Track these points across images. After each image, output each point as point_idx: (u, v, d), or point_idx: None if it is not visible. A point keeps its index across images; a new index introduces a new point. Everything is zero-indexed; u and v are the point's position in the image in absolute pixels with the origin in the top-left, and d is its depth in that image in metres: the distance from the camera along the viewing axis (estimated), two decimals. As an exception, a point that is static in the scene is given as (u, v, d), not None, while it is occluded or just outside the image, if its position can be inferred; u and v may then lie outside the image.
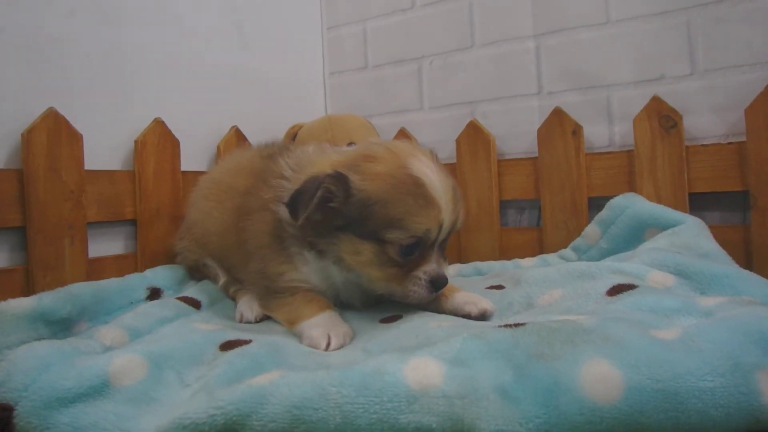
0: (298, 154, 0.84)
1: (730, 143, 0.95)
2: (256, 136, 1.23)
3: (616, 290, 0.69)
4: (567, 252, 1.06)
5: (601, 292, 0.70)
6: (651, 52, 1.05)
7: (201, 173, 1.13)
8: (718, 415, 0.46)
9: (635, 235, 0.95)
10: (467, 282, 0.96)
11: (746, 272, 0.72)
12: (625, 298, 0.66)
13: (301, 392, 0.48)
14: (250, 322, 0.80)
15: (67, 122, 0.89)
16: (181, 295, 0.82)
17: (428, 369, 0.50)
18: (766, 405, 0.46)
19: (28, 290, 0.84)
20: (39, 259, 0.85)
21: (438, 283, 0.73)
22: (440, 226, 0.71)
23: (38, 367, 0.52)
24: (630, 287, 0.69)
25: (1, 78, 0.84)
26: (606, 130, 1.10)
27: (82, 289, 0.71)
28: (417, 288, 0.72)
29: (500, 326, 0.57)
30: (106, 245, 0.97)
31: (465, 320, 0.70)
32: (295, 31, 1.40)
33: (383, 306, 0.82)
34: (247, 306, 0.83)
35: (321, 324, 0.70)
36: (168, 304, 0.77)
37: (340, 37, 1.44)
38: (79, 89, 0.94)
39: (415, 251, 0.71)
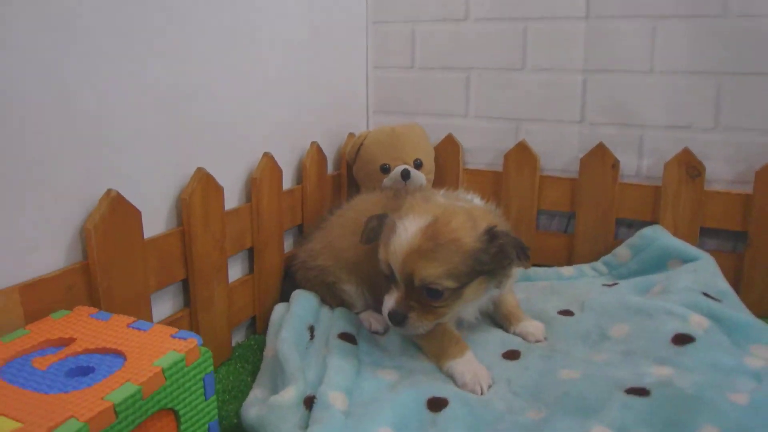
0: (427, 194, 1.02)
1: (738, 193, 1.22)
2: (323, 140, 1.33)
3: (679, 340, 0.96)
4: (599, 265, 1.33)
5: (667, 338, 0.97)
6: (683, 103, 1.26)
7: (294, 190, 1.23)
8: (774, 459, 0.75)
9: (661, 262, 1.23)
10: (536, 297, 1.19)
11: (760, 322, 1.02)
12: (690, 352, 0.92)
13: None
14: (378, 333, 1.03)
15: (213, 179, 0.96)
16: (340, 333, 0.99)
17: (607, 437, 0.75)
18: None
19: (191, 329, 0.96)
20: (200, 304, 0.97)
21: (389, 315, 0.90)
22: (389, 266, 0.89)
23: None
24: (690, 339, 0.96)
25: (157, 143, 0.89)
26: (635, 161, 1.33)
27: (294, 356, 0.86)
28: (383, 308, 0.92)
29: (630, 391, 0.82)
30: (230, 272, 1.08)
31: (590, 370, 0.90)
32: (339, 24, 1.41)
33: (488, 337, 1.05)
34: (374, 319, 1.05)
35: (468, 368, 0.91)
36: (340, 349, 0.94)
37: (387, 33, 1.50)
38: (198, 134, 0.99)
39: (388, 280, 0.92)
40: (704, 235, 1.29)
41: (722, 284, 1.14)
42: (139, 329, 0.68)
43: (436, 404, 0.82)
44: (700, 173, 1.23)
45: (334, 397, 0.80)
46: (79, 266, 0.75)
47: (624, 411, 0.78)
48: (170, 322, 0.92)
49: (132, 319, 0.70)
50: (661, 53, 1.26)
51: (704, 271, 1.17)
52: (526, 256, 0.90)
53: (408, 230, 0.87)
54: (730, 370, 0.89)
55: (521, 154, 1.39)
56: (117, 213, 0.78)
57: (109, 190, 0.78)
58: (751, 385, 0.85)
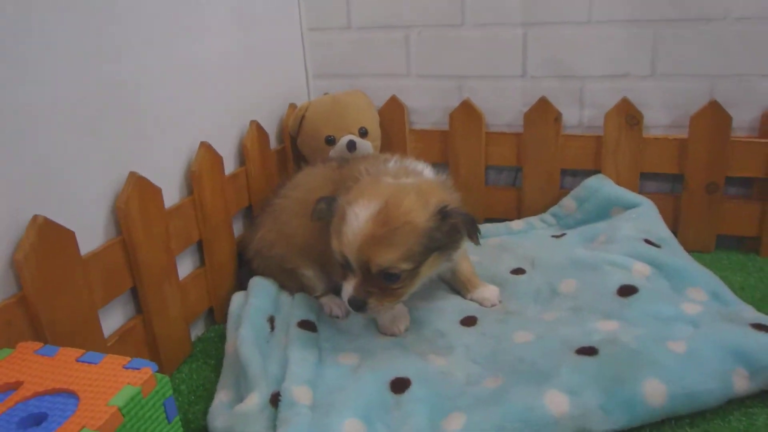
0: (378, 162, 1.01)
1: (675, 138, 1.26)
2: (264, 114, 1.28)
3: (624, 292, 1.01)
4: (547, 216, 1.37)
5: (612, 291, 1.02)
6: (621, 53, 1.26)
7: (238, 174, 1.19)
8: (711, 401, 0.82)
9: (604, 211, 1.28)
10: (489, 258, 1.22)
11: (697, 265, 1.08)
12: (633, 304, 0.97)
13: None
14: (338, 318, 1.05)
15: (148, 182, 0.92)
16: (299, 321, 0.99)
17: (559, 400, 0.79)
18: (734, 392, 0.83)
19: (146, 336, 0.95)
20: (152, 308, 0.95)
21: (349, 302, 0.89)
22: (343, 256, 0.88)
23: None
24: (633, 290, 1.01)
25: (87, 149, 0.84)
26: (577, 112, 1.34)
27: (255, 357, 0.86)
28: (342, 295, 0.92)
29: (579, 351, 0.87)
30: (181, 269, 1.06)
31: (542, 331, 0.95)
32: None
33: (446, 305, 1.08)
34: (335, 304, 1.06)
35: (388, 313, 0.98)
36: (300, 339, 0.94)
37: (319, -8, 1.42)
38: (131, 133, 0.93)
39: (344, 268, 0.91)
40: (644, 179, 1.33)
41: (662, 230, 1.19)
42: (89, 362, 0.66)
43: (399, 385, 0.85)
44: (639, 121, 1.26)
45: (298, 393, 0.82)
46: (16, 299, 0.71)
47: (574, 374, 0.83)
48: (123, 332, 0.90)
49: (80, 351, 0.68)
50: (598, 3, 1.24)
51: (645, 217, 1.22)
52: (477, 233, 0.91)
53: (359, 217, 0.86)
54: (669, 318, 0.95)
55: (466, 113, 1.37)
56: (47, 239, 0.74)
57: (35, 217, 0.73)
58: (689, 331, 0.91)
